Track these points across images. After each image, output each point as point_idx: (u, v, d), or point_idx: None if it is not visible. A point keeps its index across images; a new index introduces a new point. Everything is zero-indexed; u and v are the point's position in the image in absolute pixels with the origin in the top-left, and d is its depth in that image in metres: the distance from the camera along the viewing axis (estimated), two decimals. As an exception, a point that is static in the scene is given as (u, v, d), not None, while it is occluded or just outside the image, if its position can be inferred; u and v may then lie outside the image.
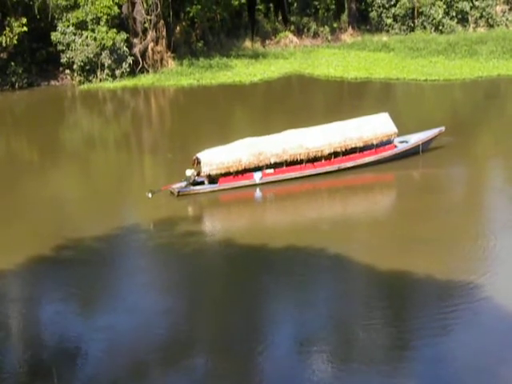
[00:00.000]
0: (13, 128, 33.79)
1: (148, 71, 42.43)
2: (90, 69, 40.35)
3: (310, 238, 17.81)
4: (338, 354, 12.76)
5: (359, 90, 39.08)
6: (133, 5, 42.37)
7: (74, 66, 40.26)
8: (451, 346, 12.81)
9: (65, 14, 40.61)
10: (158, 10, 42.33)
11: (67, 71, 41.59)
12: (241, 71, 42.63)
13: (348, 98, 37.61)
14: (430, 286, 15.06)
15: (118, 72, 40.59)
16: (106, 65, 40.18)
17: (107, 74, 40.38)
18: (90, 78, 40.48)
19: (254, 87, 39.94)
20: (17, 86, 39.93)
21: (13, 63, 39.76)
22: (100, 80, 40.39)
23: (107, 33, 39.94)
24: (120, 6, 41.48)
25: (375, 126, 23.39)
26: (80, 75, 40.47)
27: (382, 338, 13.21)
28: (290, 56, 47.38)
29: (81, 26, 40.33)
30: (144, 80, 41.01)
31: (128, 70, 41.09)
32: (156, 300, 15.30)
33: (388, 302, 14.75)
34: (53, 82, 41.77)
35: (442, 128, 24.65)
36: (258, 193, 21.97)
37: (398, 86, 39.23)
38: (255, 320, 14.29)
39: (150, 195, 20.57)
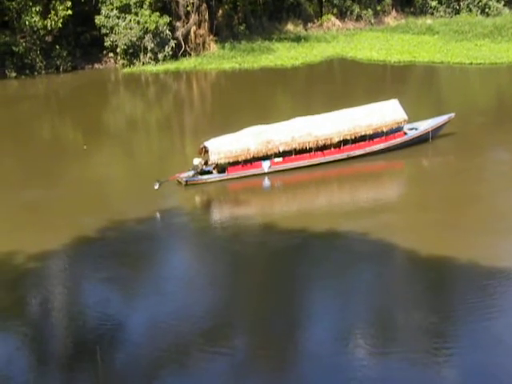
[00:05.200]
0: (58, 111, 34.30)
1: (190, 55, 42.57)
2: (133, 52, 40.65)
3: (344, 226, 17.74)
4: (378, 342, 12.72)
5: (402, 74, 38.61)
6: (176, -12, 42.50)
7: (118, 50, 40.60)
8: (493, 332, 12.68)
9: (109, -2, 40.96)
10: (201, -7, 42.41)
11: (111, 54, 42.01)
12: (283, 55, 42.46)
13: (391, 82, 37.15)
14: (471, 272, 14.91)
15: (160, 55, 40.83)
16: (149, 48, 40.41)
17: (150, 58, 40.63)
18: (133, 61, 40.77)
19: (296, 71, 39.77)
20: (61, 69, 40.41)
21: (57, 46, 40.29)
22: (143, 63, 40.66)
23: (150, 16, 40.16)
24: (163, -10, 41.69)
25: (385, 113, 22.98)
26: (123, 58, 40.81)
27: (424, 325, 13.11)
28: (333, 39, 46.97)
29: (124, 9, 40.59)
30: (186, 63, 41.15)
31: (170, 53, 41.27)
32: (197, 283, 15.50)
33: (429, 288, 14.66)
34: (96, 65, 42.23)
35: (452, 114, 24.21)
36: (266, 181, 21.55)
37: (442, 70, 38.63)
38: (294, 305, 14.37)
39: (156, 186, 20.12)
